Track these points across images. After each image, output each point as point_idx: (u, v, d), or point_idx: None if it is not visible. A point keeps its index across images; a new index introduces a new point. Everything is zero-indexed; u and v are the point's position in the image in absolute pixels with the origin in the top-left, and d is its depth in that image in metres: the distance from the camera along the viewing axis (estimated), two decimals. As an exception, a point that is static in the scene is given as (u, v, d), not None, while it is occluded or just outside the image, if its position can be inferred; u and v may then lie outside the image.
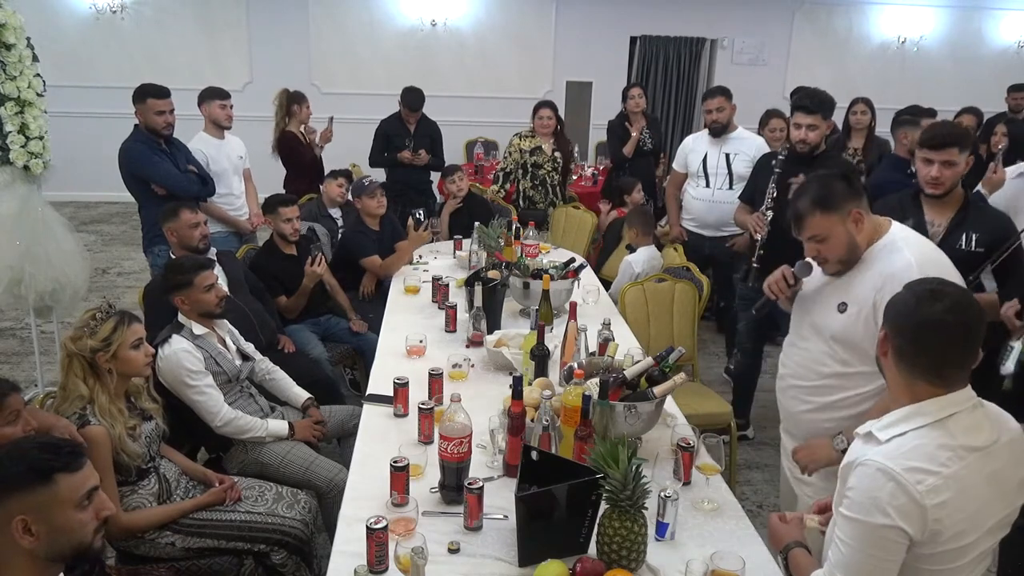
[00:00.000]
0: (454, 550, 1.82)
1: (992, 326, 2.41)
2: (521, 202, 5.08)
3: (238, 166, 4.41)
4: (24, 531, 1.42)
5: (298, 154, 5.03)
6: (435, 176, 5.50)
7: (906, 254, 1.99)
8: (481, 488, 1.89)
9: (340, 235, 4.45)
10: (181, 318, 2.69)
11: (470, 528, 1.91)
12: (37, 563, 1.45)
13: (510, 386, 2.09)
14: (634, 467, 1.70)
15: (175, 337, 2.60)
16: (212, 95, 4.28)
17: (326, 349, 3.73)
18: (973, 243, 2.55)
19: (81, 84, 7.81)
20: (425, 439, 2.30)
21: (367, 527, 1.74)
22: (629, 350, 2.58)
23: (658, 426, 2.27)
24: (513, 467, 2.03)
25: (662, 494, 1.85)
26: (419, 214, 4.21)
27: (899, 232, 2.09)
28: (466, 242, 4.30)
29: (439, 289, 3.53)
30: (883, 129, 4.59)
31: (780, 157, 3.52)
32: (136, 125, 3.90)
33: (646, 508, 1.75)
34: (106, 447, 2.13)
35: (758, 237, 3.47)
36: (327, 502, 2.57)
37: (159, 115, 3.83)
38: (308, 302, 3.78)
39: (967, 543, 1.43)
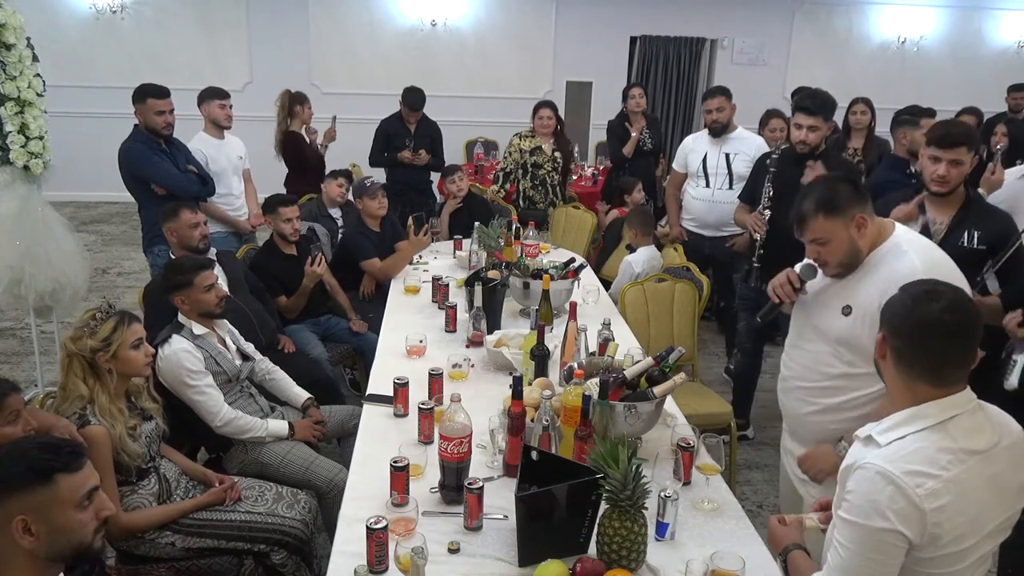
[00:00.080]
0: (454, 550, 1.82)
1: (993, 330, 2.42)
2: (521, 202, 5.08)
3: (238, 166, 4.41)
4: (24, 531, 1.42)
5: (303, 154, 5.05)
6: (435, 176, 5.51)
7: (911, 257, 1.97)
8: (481, 488, 1.89)
9: (340, 235, 4.45)
10: (181, 318, 2.69)
11: (470, 528, 1.91)
12: (37, 563, 1.45)
13: (510, 386, 2.09)
14: (634, 467, 1.70)
15: (175, 337, 2.60)
16: (212, 95, 4.28)
17: (326, 349, 3.73)
18: (975, 241, 2.56)
19: (81, 84, 7.81)
20: (425, 439, 2.30)
21: (367, 527, 1.74)
22: (629, 350, 2.58)
23: (658, 426, 2.27)
24: (513, 467, 2.03)
25: (662, 494, 1.85)
26: (426, 219, 4.22)
27: (904, 235, 2.07)
28: (466, 242, 4.30)
29: (439, 289, 3.53)
30: (883, 129, 4.59)
31: (774, 156, 3.53)
32: (136, 125, 3.90)
33: (646, 508, 1.75)
34: (106, 447, 2.13)
35: (757, 237, 3.47)
36: (327, 502, 2.57)
37: (159, 115, 3.83)
38: (308, 302, 3.78)
39: (967, 547, 1.42)
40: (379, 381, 2.71)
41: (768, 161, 3.53)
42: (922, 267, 1.92)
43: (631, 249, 4.26)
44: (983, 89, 7.77)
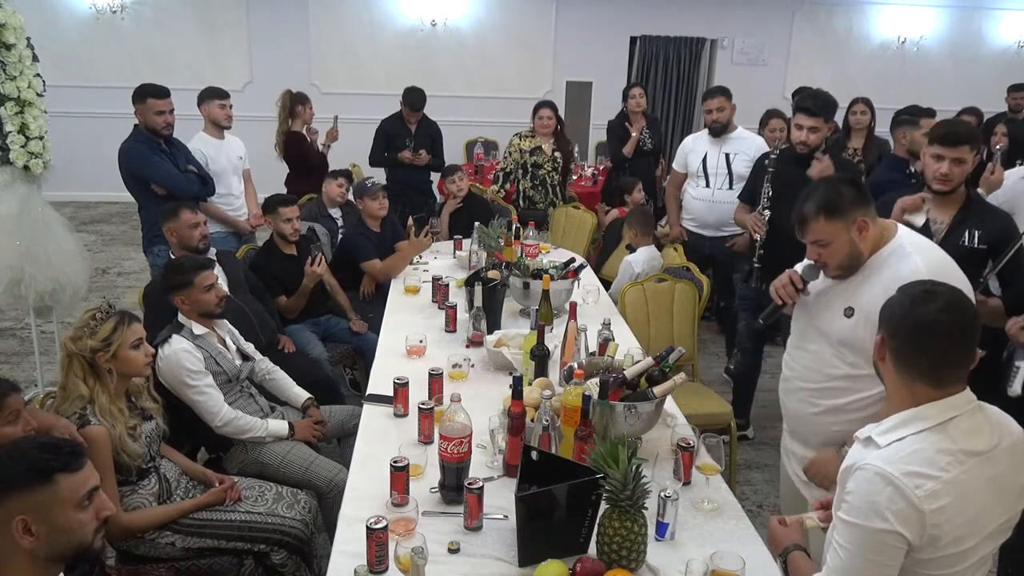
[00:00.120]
0: (454, 550, 1.82)
1: (994, 332, 2.42)
2: (521, 202, 5.08)
3: (237, 166, 4.41)
4: (24, 531, 1.42)
5: (305, 154, 5.06)
6: (435, 176, 5.51)
7: (915, 259, 1.96)
8: (481, 488, 1.89)
9: (340, 235, 4.45)
10: (181, 318, 2.69)
11: (470, 528, 1.91)
12: (37, 563, 1.45)
13: (510, 386, 2.09)
14: (634, 467, 1.70)
15: (175, 337, 2.60)
16: (211, 95, 4.28)
17: (326, 349, 3.73)
18: (976, 240, 2.56)
19: (81, 84, 7.81)
20: (425, 439, 2.30)
21: (367, 527, 1.74)
22: (629, 350, 2.58)
23: (658, 426, 2.27)
24: (513, 467, 2.03)
25: (662, 494, 1.85)
26: (426, 220, 4.23)
27: (907, 237, 2.06)
28: (466, 242, 4.30)
29: (439, 289, 3.53)
30: (883, 129, 4.59)
31: (772, 156, 3.52)
32: (136, 125, 3.90)
33: (646, 508, 1.75)
34: (106, 447, 2.13)
35: (757, 237, 3.47)
36: (327, 502, 2.57)
37: (159, 115, 3.83)
38: (308, 302, 3.78)
39: (966, 548, 1.42)
40: (379, 381, 2.71)
41: (767, 162, 3.53)
42: (926, 269, 1.90)
43: (631, 249, 4.27)
44: (983, 89, 7.77)
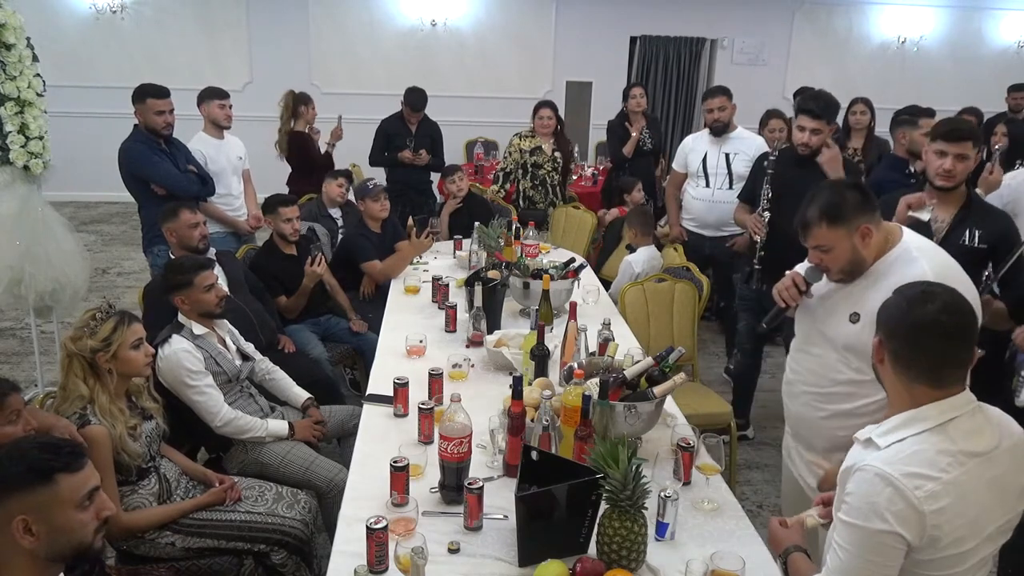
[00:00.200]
0: (454, 550, 1.82)
1: (996, 334, 2.42)
2: (521, 202, 5.08)
3: (237, 166, 4.41)
4: (24, 531, 1.42)
5: (310, 154, 5.06)
6: (435, 176, 5.51)
7: (921, 264, 1.94)
8: (481, 488, 1.89)
9: (340, 235, 4.45)
10: (181, 318, 2.69)
11: (470, 528, 1.91)
12: (37, 563, 1.45)
13: (510, 386, 2.09)
14: (634, 467, 1.70)
15: (175, 337, 2.60)
16: (211, 95, 4.28)
17: (326, 349, 3.73)
18: (976, 240, 2.56)
19: (81, 84, 7.81)
20: (425, 439, 2.30)
21: (367, 527, 1.74)
22: (629, 350, 2.58)
23: (658, 426, 2.27)
24: (513, 467, 2.03)
25: (662, 494, 1.85)
26: (428, 221, 4.24)
27: (912, 241, 2.04)
28: (466, 242, 4.30)
29: (439, 289, 3.53)
30: (883, 129, 4.59)
31: (772, 158, 3.51)
32: (136, 125, 3.90)
33: (646, 508, 1.75)
34: (107, 447, 2.13)
35: (757, 239, 3.47)
36: (327, 502, 2.57)
37: (159, 115, 3.83)
38: (308, 302, 3.78)
39: (967, 549, 1.42)
40: (379, 381, 2.71)
41: (766, 163, 3.52)
42: (932, 273, 1.88)
43: (631, 249, 4.27)
44: (983, 89, 7.77)
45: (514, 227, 4.13)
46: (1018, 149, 4.00)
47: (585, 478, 1.75)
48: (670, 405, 2.49)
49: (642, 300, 3.60)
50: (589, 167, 7.12)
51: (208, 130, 4.31)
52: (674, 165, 4.62)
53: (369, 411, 2.54)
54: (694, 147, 4.44)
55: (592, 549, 1.81)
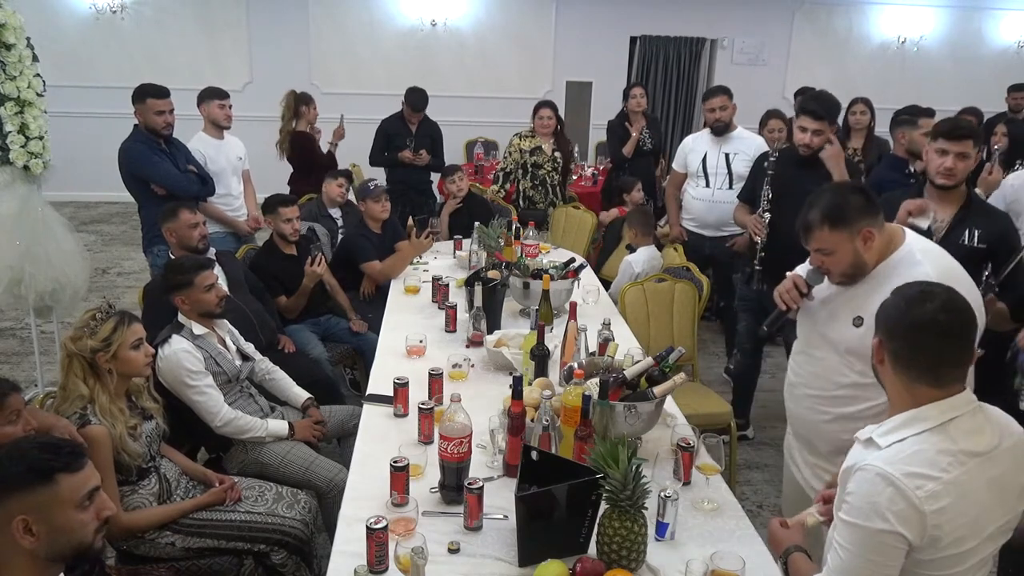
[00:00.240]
0: (454, 550, 1.83)
1: (997, 334, 2.42)
2: (521, 202, 5.08)
3: (237, 167, 4.41)
4: (25, 531, 1.42)
5: (313, 154, 5.07)
6: (435, 176, 5.51)
7: (925, 267, 1.93)
8: (481, 488, 1.89)
9: (340, 235, 4.45)
10: (181, 318, 2.69)
11: (470, 528, 1.91)
12: (37, 563, 1.45)
13: (510, 386, 2.09)
14: (634, 467, 1.70)
15: (175, 337, 2.60)
16: (211, 95, 4.27)
17: (326, 349, 3.73)
18: (975, 239, 2.56)
19: (81, 84, 7.81)
20: (425, 439, 2.30)
21: (367, 527, 1.74)
22: (629, 350, 2.58)
23: (658, 426, 2.27)
24: (513, 467, 2.03)
25: (662, 494, 1.85)
26: (428, 221, 4.24)
27: (916, 243, 2.03)
28: (466, 242, 4.30)
29: (439, 289, 3.53)
30: (883, 129, 4.59)
31: (772, 159, 3.50)
32: (136, 125, 3.90)
33: (646, 508, 1.75)
34: (107, 447, 2.13)
35: (758, 240, 3.47)
36: (327, 502, 2.57)
37: (159, 115, 3.83)
38: (308, 302, 3.78)
39: (967, 549, 1.42)
40: (379, 381, 2.71)
41: (766, 164, 3.51)
42: (936, 277, 1.84)
43: (631, 249, 4.27)
44: (983, 89, 7.77)
45: (514, 227, 4.13)
46: (1018, 149, 4.01)
47: (585, 478, 1.75)
48: (670, 405, 2.49)
49: (642, 300, 3.60)
50: (589, 167, 7.12)
51: (208, 130, 4.31)
52: (674, 165, 4.62)
53: (369, 411, 2.54)
54: (694, 147, 4.43)
55: (592, 549, 1.81)
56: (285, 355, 3.38)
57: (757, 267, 3.48)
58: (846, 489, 1.46)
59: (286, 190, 4.76)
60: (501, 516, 1.95)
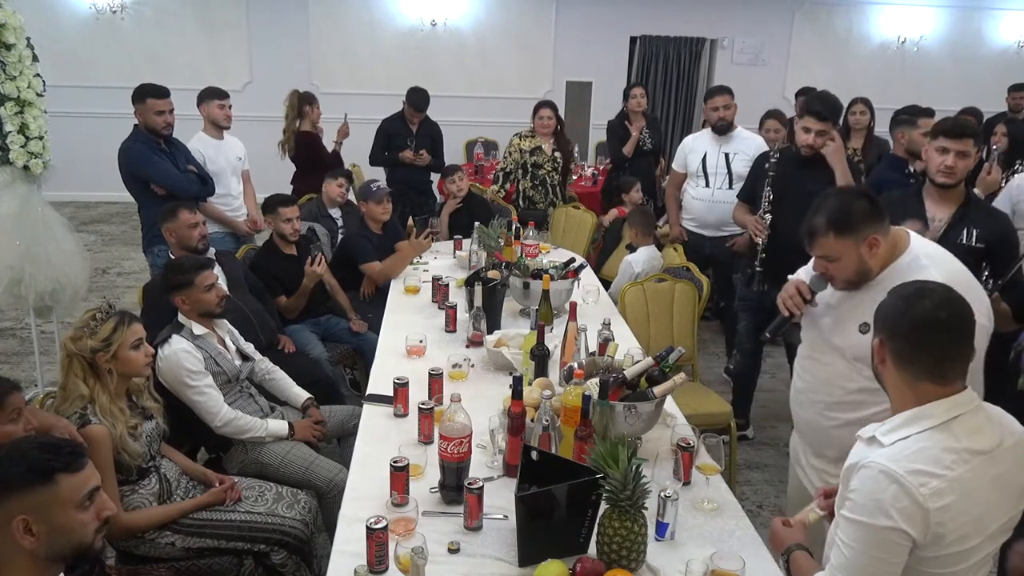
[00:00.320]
0: (454, 550, 1.83)
1: (999, 335, 2.42)
2: (521, 202, 5.08)
3: (236, 167, 4.41)
4: (25, 531, 1.42)
5: (319, 153, 5.08)
6: (435, 176, 5.51)
7: (931, 272, 1.89)
8: (481, 488, 1.89)
9: (341, 235, 4.45)
10: (181, 318, 2.69)
11: (470, 528, 1.91)
12: (37, 563, 1.45)
13: (510, 386, 2.09)
14: (634, 467, 1.70)
15: (175, 337, 2.60)
16: (211, 95, 4.28)
17: (326, 349, 3.73)
18: (974, 239, 2.56)
19: (81, 84, 7.81)
20: (425, 439, 2.30)
21: (367, 527, 1.74)
22: (629, 350, 2.57)
23: (658, 426, 2.27)
24: (513, 467, 2.03)
25: (662, 494, 1.85)
26: (428, 221, 4.25)
27: (921, 247, 2.00)
28: (466, 242, 4.30)
29: (439, 289, 3.53)
30: (883, 129, 4.59)
31: (773, 160, 3.50)
32: (136, 125, 3.90)
33: (646, 508, 1.75)
34: (107, 447, 2.13)
35: (758, 241, 3.46)
36: (327, 502, 2.57)
37: (159, 115, 3.83)
38: (308, 302, 3.78)
39: (970, 547, 1.43)
40: (379, 381, 2.71)
41: (767, 165, 3.50)
42: (943, 281, 1.78)
43: (631, 249, 4.27)
44: (983, 89, 7.77)
45: (514, 227, 4.13)
46: (1018, 149, 4.01)
47: (585, 478, 1.75)
48: (670, 405, 2.49)
49: (642, 300, 3.60)
50: (589, 167, 7.12)
51: (208, 130, 4.31)
52: (674, 165, 4.62)
53: (369, 411, 2.54)
54: (694, 147, 4.43)
55: (592, 549, 1.81)
56: (285, 355, 3.38)
57: (758, 268, 3.48)
58: (849, 486, 1.46)
59: (286, 190, 4.75)
60: (501, 516, 1.95)
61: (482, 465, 2.19)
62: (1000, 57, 9.16)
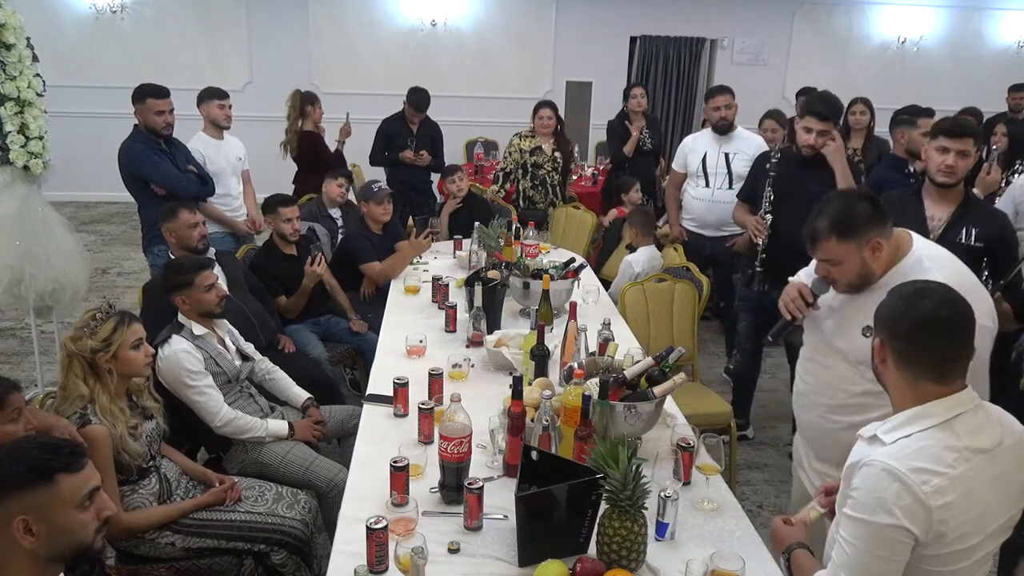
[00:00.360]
0: (454, 550, 1.83)
1: (1001, 336, 2.42)
2: (521, 202, 5.08)
3: (236, 167, 4.41)
4: (25, 531, 1.42)
5: (322, 152, 5.09)
6: (435, 176, 5.51)
7: (935, 275, 1.85)
8: (481, 488, 1.90)
9: (341, 235, 4.45)
10: (181, 318, 2.69)
11: (470, 528, 1.91)
12: (37, 563, 1.45)
13: (510, 386, 2.09)
14: (634, 467, 1.71)
15: (175, 337, 2.60)
16: (211, 95, 4.27)
17: (326, 349, 3.73)
18: (972, 238, 2.56)
19: (81, 84, 7.81)
20: (425, 439, 2.30)
21: (367, 527, 1.74)
22: (629, 350, 2.57)
23: (658, 426, 2.27)
24: (513, 467, 2.03)
25: (662, 494, 1.85)
26: (428, 221, 4.25)
27: (924, 249, 1.99)
28: (466, 242, 4.30)
29: (439, 289, 3.53)
30: (883, 129, 4.59)
31: (774, 160, 3.49)
32: (136, 125, 3.90)
33: (646, 508, 1.75)
34: (107, 446, 2.13)
35: (759, 242, 3.46)
36: (327, 502, 2.57)
37: (159, 115, 3.83)
38: (308, 302, 3.78)
39: (971, 545, 1.43)
40: (379, 381, 2.71)
41: (768, 165, 3.50)
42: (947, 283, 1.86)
43: (631, 249, 4.27)
44: (983, 89, 7.77)
45: (514, 227, 4.13)
46: (1018, 149, 4.01)
47: (585, 478, 1.75)
48: (670, 405, 2.49)
49: (642, 300, 3.60)
50: (589, 167, 7.12)
51: (207, 130, 4.31)
52: (674, 165, 4.61)
53: (369, 411, 2.54)
54: (694, 147, 4.43)
55: (592, 549, 1.81)
56: (285, 355, 3.38)
57: (758, 268, 3.48)
58: (851, 485, 1.47)
59: (286, 190, 4.75)
60: (501, 516, 1.95)
61: (482, 465, 2.19)
62: (1000, 57, 9.16)
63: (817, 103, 3.33)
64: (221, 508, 2.36)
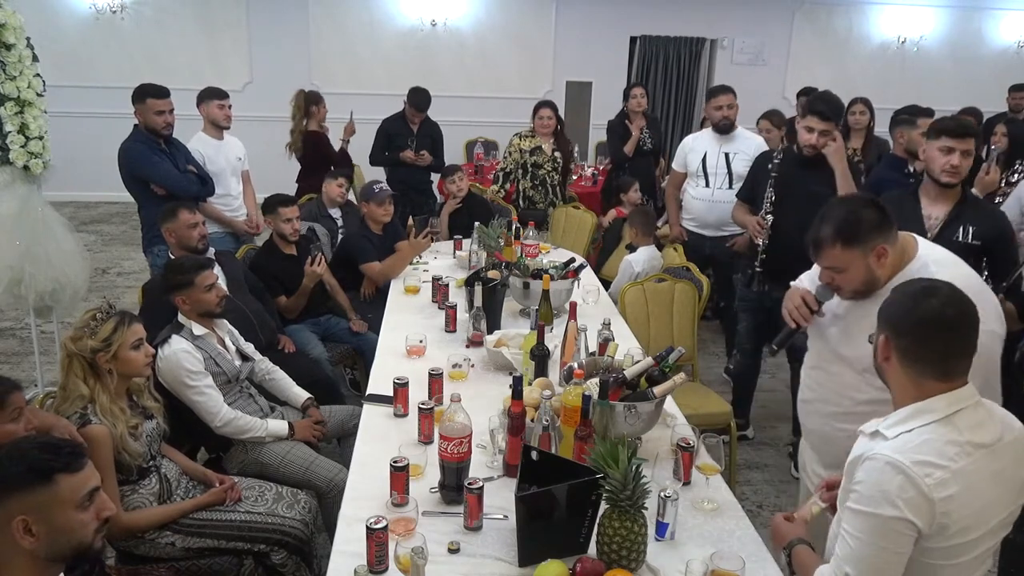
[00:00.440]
0: (454, 550, 1.83)
1: (1007, 337, 2.42)
2: (521, 202, 5.08)
3: (236, 167, 4.40)
4: (25, 531, 1.42)
5: (327, 152, 5.09)
6: (435, 176, 5.51)
7: (942, 279, 1.88)
8: (481, 488, 1.90)
9: (341, 235, 4.45)
10: (181, 318, 2.69)
11: (470, 528, 1.91)
12: (37, 563, 1.45)
13: (510, 386, 2.09)
14: (634, 467, 1.71)
15: (175, 337, 2.60)
16: (210, 95, 4.27)
17: (326, 349, 3.73)
18: (970, 236, 2.56)
19: (81, 84, 7.81)
20: (425, 439, 2.30)
21: (367, 527, 1.74)
22: (629, 350, 2.57)
23: (658, 426, 2.27)
24: (513, 467, 2.03)
25: (662, 494, 1.85)
26: (428, 221, 4.25)
27: (929, 254, 1.97)
28: (466, 242, 4.30)
29: (439, 289, 3.53)
30: (883, 129, 4.59)
31: (776, 160, 3.49)
32: (136, 125, 3.90)
33: (646, 508, 1.75)
34: (107, 446, 2.13)
35: (759, 242, 3.46)
36: (327, 502, 2.57)
37: (158, 115, 3.83)
38: (308, 302, 3.78)
39: (972, 538, 1.44)
40: (379, 381, 2.71)
41: (770, 166, 3.49)
42: None
43: (631, 249, 4.27)
44: (983, 89, 7.77)
45: (514, 227, 4.12)
46: (1018, 149, 4.01)
47: (585, 478, 1.75)
48: (670, 405, 2.49)
49: (642, 300, 3.60)
50: (589, 167, 7.12)
51: (207, 130, 4.30)
52: (674, 165, 4.61)
53: (369, 411, 2.54)
54: (694, 147, 4.43)
55: (592, 549, 1.81)
56: (285, 355, 3.38)
57: (758, 268, 3.48)
58: (854, 479, 1.48)
59: (286, 190, 4.75)
60: (501, 516, 1.95)
61: (482, 465, 2.19)
62: (1000, 57, 9.16)
63: (819, 103, 3.32)
64: (221, 508, 2.36)
